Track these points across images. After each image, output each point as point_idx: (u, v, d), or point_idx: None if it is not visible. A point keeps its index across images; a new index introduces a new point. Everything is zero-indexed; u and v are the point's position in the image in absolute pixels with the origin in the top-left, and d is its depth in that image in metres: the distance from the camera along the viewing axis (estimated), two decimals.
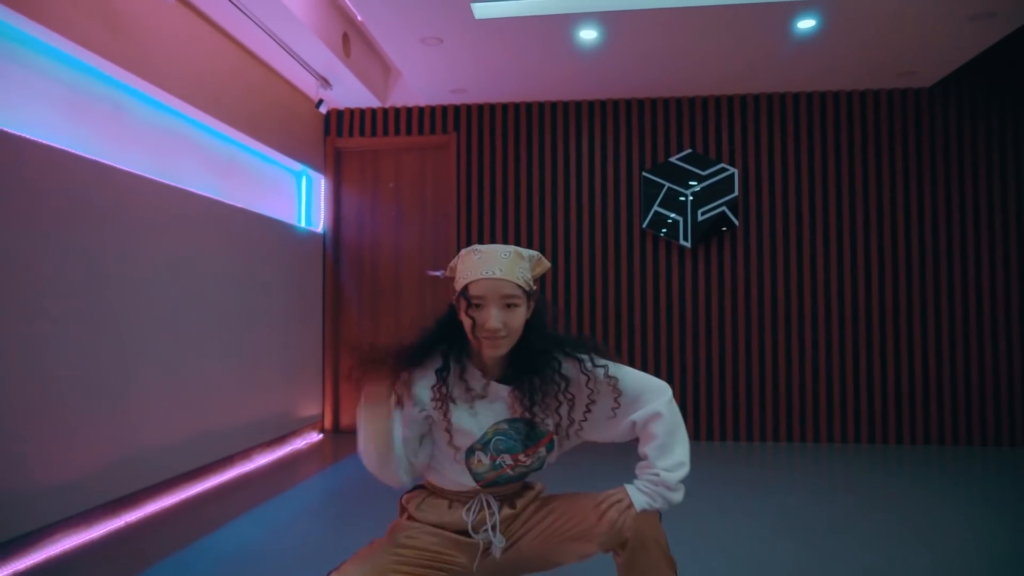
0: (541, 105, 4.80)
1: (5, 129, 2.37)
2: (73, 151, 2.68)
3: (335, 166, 4.98)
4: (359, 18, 3.80)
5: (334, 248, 4.97)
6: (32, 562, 2.40)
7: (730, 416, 4.58)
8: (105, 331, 2.79)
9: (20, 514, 2.37)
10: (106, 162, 2.85)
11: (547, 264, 1.54)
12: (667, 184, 4.61)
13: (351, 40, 4.20)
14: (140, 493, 3.01)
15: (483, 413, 1.44)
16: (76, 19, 2.66)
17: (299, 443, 4.57)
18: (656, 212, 4.61)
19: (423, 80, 4.39)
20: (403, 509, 1.53)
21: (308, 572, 2.28)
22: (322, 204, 4.97)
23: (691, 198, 4.59)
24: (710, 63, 4.10)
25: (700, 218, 4.57)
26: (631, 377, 1.47)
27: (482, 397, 1.44)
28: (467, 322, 1.42)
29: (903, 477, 3.68)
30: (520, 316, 1.44)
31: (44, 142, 2.54)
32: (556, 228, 4.76)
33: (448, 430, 1.42)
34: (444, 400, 1.41)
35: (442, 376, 1.42)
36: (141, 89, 3.14)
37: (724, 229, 4.55)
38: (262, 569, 2.38)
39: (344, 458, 4.17)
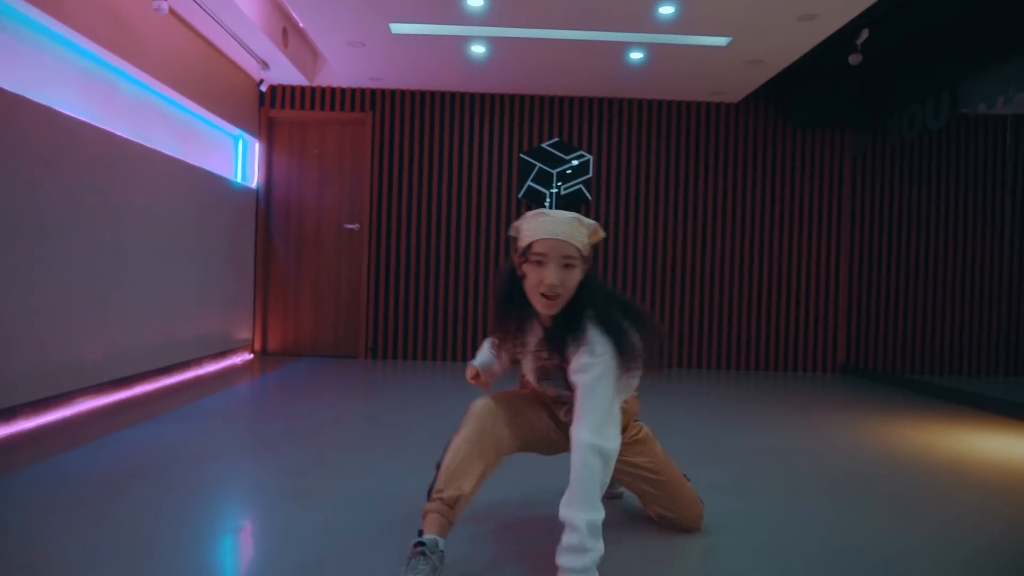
0: (443, 94, 5.94)
1: (23, 95, 3.31)
2: (77, 116, 3.62)
3: (268, 133, 5.94)
4: (300, 24, 4.79)
5: (266, 201, 5.95)
6: None
7: None
8: (91, 257, 3.78)
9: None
10: (99, 125, 3.79)
11: (603, 234, 1.67)
12: (539, 164, 5.89)
13: (289, 34, 5.17)
14: (131, 378, 4.03)
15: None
16: (91, 21, 3.57)
17: (236, 359, 5.61)
18: (530, 186, 5.89)
19: (346, 68, 5.42)
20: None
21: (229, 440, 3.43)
22: (256, 164, 5.93)
23: (556, 176, 5.89)
24: (571, 75, 5.37)
25: (563, 192, 5.89)
26: (596, 393, 1.55)
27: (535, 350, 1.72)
28: (530, 277, 1.60)
29: (729, 393, 5.19)
30: (575, 277, 1.60)
31: (57, 108, 3.48)
32: (451, 195, 5.95)
33: (523, 373, 1.85)
34: (513, 354, 1.79)
35: (517, 337, 1.72)
36: (125, 69, 4.05)
37: (581, 203, 5.90)
38: (193, 448, 3.50)
39: (267, 372, 5.27)
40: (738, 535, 2.05)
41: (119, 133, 3.93)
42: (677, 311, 6.02)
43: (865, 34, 4.83)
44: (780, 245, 6.07)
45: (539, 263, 1.59)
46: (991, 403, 4.43)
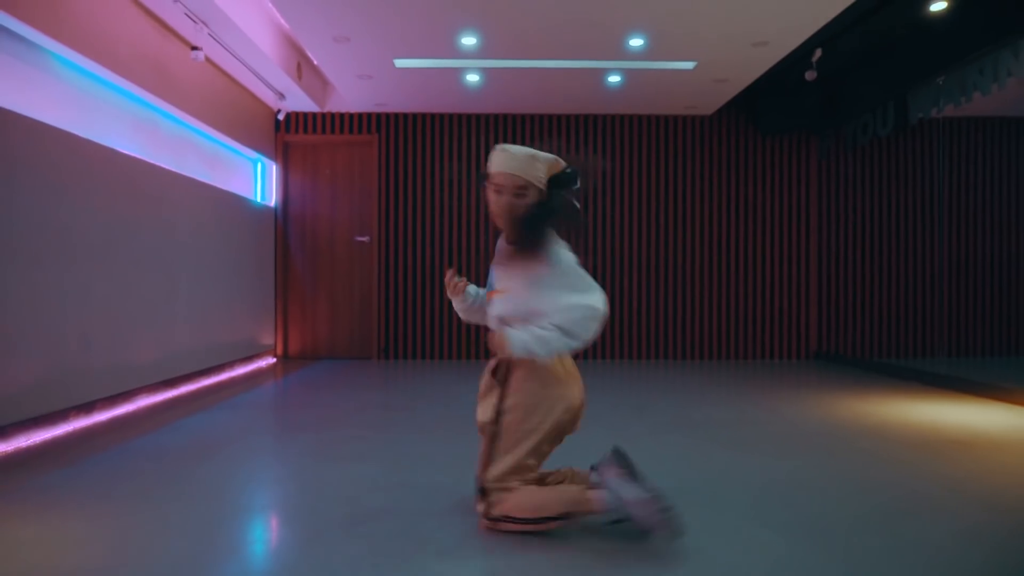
0: (442, 116, 6.52)
1: (44, 121, 3.90)
2: (132, 154, 4.21)
3: (284, 156, 6.53)
4: (315, 62, 5.37)
5: (283, 218, 6.54)
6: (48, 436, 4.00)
7: None
8: (142, 274, 4.36)
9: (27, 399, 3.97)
10: (148, 160, 4.38)
11: (563, 164, 1.95)
12: None
13: (303, 67, 5.76)
14: (178, 379, 4.61)
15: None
16: (142, 69, 4.16)
17: (261, 363, 6.19)
18: None
19: (355, 96, 6.01)
20: None
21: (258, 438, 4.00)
22: (274, 185, 6.52)
23: None
24: (556, 96, 5.96)
25: None
26: (554, 289, 1.92)
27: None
28: (491, 202, 1.95)
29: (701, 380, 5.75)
30: (521, 205, 1.88)
31: (79, 134, 4.07)
32: (451, 207, 6.53)
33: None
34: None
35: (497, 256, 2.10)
36: (166, 109, 4.64)
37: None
38: (222, 437, 4.08)
39: (290, 373, 5.85)
40: (683, 479, 2.62)
41: (164, 165, 4.51)
42: (660, 307, 6.59)
43: (818, 53, 5.41)
44: (754, 244, 6.64)
45: (496, 192, 1.94)
46: (931, 378, 5.00)
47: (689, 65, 5.14)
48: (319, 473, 2.67)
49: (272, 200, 6.52)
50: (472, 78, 5.44)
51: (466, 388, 4.69)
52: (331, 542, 1.94)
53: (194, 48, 4.64)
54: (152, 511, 2.22)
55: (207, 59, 5.01)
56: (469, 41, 4.64)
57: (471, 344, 6.56)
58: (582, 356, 6.50)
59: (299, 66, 5.67)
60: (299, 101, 6.16)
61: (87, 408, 3.64)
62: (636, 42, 4.65)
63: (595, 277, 6.75)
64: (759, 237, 6.65)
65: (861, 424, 3.61)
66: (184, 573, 1.74)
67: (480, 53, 4.89)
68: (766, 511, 2.23)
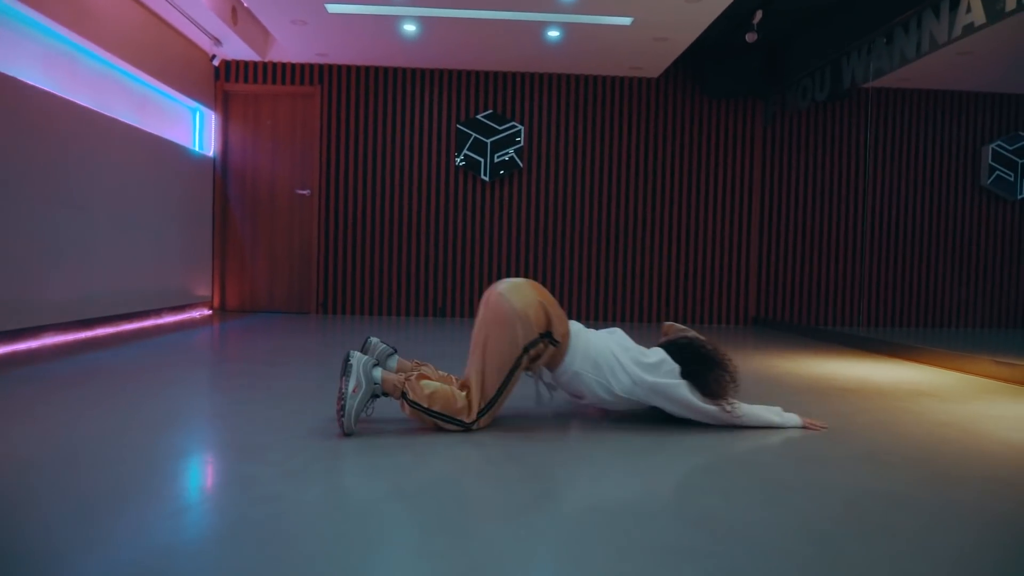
0: (385, 70, 6.43)
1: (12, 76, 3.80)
2: (38, 85, 4.11)
3: (224, 105, 6.42)
4: (245, 3, 5.25)
5: (223, 169, 6.44)
6: None
7: None
8: (48, 210, 4.29)
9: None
10: (58, 94, 4.28)
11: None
12: (474, 134, 6.42)
13: (238, 12, 5.64)
14: (95, 320, 4.56)
15: None
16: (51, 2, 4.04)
17: (195, 313, 6.14)
18: (466, 154, 6.42)
19: (294, 45, 5.90)
20: None
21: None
22: (213, 135, 6.41)
23: (490, 145, 6.43)
24: (498, 51, 5.89)
25: (496, 160, 6.43)
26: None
27: None
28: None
29: None
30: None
31: (35, 84, 3.97)
32: (393, 162, 6.47)
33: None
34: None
35: None
36: (84, 45, 4.52)
37: (514, 169, 6.44)
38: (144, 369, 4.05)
39: (224, 322, 5.81)
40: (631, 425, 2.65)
41: (82, 103, 4.41)
42: (601, 270, 6.61)
43: (759, 15, 5.40)
44: (697, 209, 6.66)
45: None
46: (852, 340, 5.08)
47: (625, 21, 5.10)
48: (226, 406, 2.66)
49: (211, 150, 6.42)
50: (409, 27, 5.35)
51: (395, 339, 4.68)
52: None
53: None
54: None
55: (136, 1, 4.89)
56: None
57: (411, 300, 6.54)
58: None
59: (234, 10, 5.55)
60: (238, 49, 6.04)
61: None
62: None
63: (533, 243, 6.81)
64: (703, 203, 6.66)
65: (764, 376, 3.66)
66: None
67: (413, 0, 4.81)
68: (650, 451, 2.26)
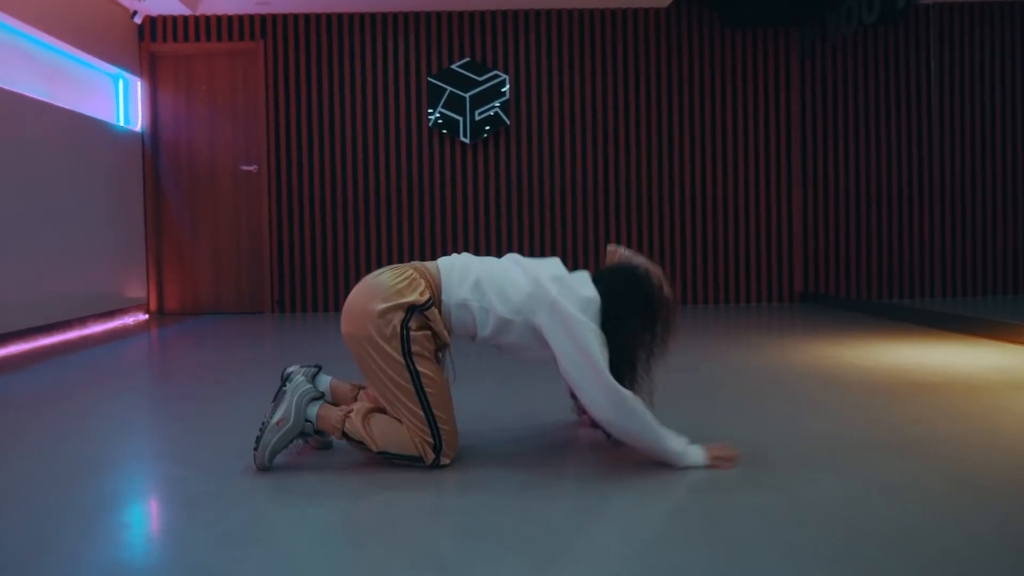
0: (340, 16, 5.38)
1: None
2: None
3: (151, 70, 5.41)
4: None
5: (152, 144, 5.43)
6: None
7: None
8: None
9: None
10: None
11: None
12: (449, 88, 5.34)
13: None
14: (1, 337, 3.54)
15: None
16: None
17: (128, 319, 5.11)
18: (441, 112, 5.34)
19: None
20: None
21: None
22: (139, 105, 5.40)
23: (469, 100, 5.34)
24: None
25: (477, 118, 5.34)
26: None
27: None
28: None
29: None
30: None
31: None
32: (355, 126, 5.41)
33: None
34: None
35: None
36: None
37: (500, 127, 5.34)
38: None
39: (163, 328, 4.77)
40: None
41: None
42: (616, 243, 5.46)
43: None
44: (723, 167, 5.50)
45: None
46: (928, 317, 3.90)
47: None
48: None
49: (138, 124, 5.41)
50: None
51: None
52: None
53: None
54: None
55: None
56: None
57: None
58: None
59: None
60: (163, 2, 5.03)
61: None
62: None
63: (526, 216, 5.68)
64: (730, 159, 5.50)
65: (818, 370, 2.58)
66: None
67: None
68: None
